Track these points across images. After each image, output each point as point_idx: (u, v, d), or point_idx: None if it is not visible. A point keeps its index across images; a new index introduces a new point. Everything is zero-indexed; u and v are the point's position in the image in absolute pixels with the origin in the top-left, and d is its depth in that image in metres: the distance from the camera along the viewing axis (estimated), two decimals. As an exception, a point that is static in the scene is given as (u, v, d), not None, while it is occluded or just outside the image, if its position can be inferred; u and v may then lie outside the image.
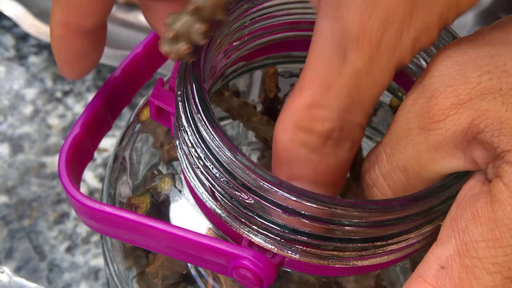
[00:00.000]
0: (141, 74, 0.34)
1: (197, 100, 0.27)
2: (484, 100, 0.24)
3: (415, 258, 0.32)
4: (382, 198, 0.27)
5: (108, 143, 0.55)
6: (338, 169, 0.28)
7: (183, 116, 0.28)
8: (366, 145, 0.39)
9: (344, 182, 0.29)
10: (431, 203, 0.27)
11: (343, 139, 0.27)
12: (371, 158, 0.28)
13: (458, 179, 0.27)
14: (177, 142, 0.29)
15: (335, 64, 0.26)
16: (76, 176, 0.31)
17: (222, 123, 0.37)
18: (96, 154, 0.54)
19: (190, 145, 0.28)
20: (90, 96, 0.57)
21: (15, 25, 0.60)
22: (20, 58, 0.59)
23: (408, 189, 0.27)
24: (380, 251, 0.28)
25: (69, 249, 0.50)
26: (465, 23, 0.59)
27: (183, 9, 0.28)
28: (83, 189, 0.53)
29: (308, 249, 0.27)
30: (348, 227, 0.26)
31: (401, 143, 0.26)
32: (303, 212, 0.26)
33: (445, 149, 0.25)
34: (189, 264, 0.32)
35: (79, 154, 0.32)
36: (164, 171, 0.34)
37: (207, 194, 0.28)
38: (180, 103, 0.28)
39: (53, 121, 0.56)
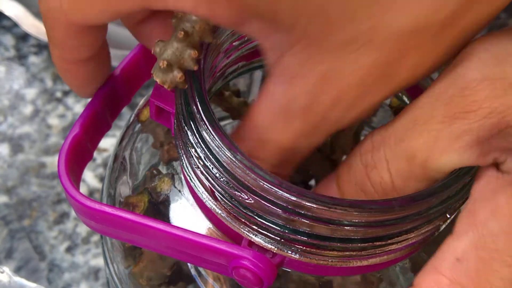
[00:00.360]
0: (141, 73, 0.34)
1: (197, 100, 0.27)
2: None
3: (415, 258, 0.32)
4: (380, 181, 0.27)
5: (108, 143, 0.55)
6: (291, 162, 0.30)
7: (183, 116, 0.28)
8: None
9: None
10: (431, 203, 0.27)
11: (282, 169, 0.29)
12: (376, 138, 0.28)
13: (458, 178, 0.27)
14: (177, 142, 0.29)
15: (278, 124, 0.28)
16: (75, 176, 0.31)
17: (222, 123, 0.37)
18: (96, 154, 0.54)
19: (190, 145, 0.28)
20: (90, 96, 0.57)
21: (15, 25, 0.60)
22: (20, 58, 0.59)
23: (409, 179, 0.27)
24: (379, 251, 0.28)
25: (69, 249, 0.50)
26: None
27: (170, 36, 0.28)
28: (83, 189, 0.53)
29: (308, 249, 0.27)
30: (348, 227, 0.26)
31: (416, 128, 0.26)
32: (302, 212, 0.26)
33: (466, 140, 0.25)
34: (189, 264, 0.32)
35: (78, 154, 0.32)
36: (164, 171, 0.34)
37: (207, 194, 0.28)
38: (180, 103, 0.28)
39: (53, 121, 0.56)
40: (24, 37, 0.60)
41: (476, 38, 0.26)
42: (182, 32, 0.28)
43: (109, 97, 0.33)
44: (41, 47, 0.60)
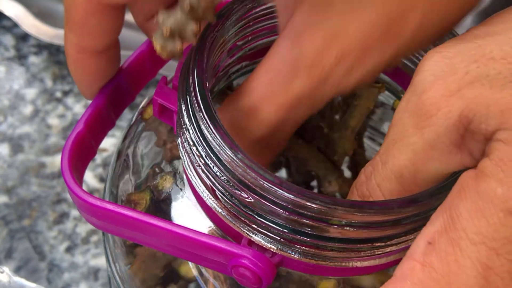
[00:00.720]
0: (145, 72, 0.34)
1: (199, 98, 0.27)
2: (472, 88, 0.24)
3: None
4: None
5: (108, 143, 0.55)
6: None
7: (185, 114, 0.28)
8: (367, 146, 0.39)
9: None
10: (430, 204, 0.27)
11: (268, 147, 0.30)
12: (368, 170, 0.28)
13: (457, 179, 0.27)
14: (179, 140, 0.29)
15: (284, 81, 0.29)
16: (78, 173, 0.31)
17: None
18: (97, 154, 0.54)
19: (191, 143, 0.28)
20: (90, 96, 0.57)
21: (15, 25, 0.60)
22: (20, 58, 0.59)
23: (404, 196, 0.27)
24: (379, 252, 0.28)
25: (68, 249, 0.50)
26: (464, 24, 0.59)
27: (175, 7, 0.28)
28: (84, 188, 0.53)
29: (307, 249, 0.27)
30: (348, 228, 0.26)
31: (396, 146, 0.26)
32: (302, 212, 0.26)
33: (441, 146, 0.25)
34: (190, 264, 0.32)
35: (82, 151, 0.32)
36: (166, 169, 0.34)
37: (207, 193, 0.28)
38: (182, 101, 0.28)
39: (53, 121, 0.56)
40: (24, 37, 0.60)
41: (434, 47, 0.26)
42: (188, 4, 0.28)
43: (114, 94, 0.33)
44: (41, 47, 0.60)
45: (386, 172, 0.27)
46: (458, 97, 0.24)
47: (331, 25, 0.28)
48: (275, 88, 0.29)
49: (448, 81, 0.25)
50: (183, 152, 0.29)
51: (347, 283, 0.31)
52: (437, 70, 0.25)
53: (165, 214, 0.32)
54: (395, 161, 0.26)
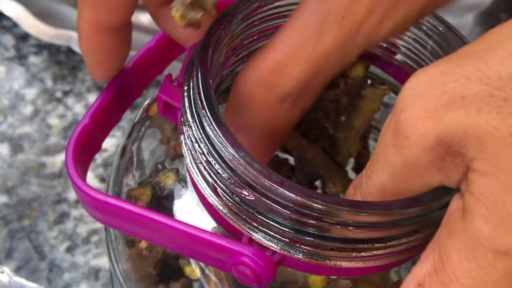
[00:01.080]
0: (153, 68, 0.35)
1: (202, 96, 0.27)
2: (448, 110, 0.24)
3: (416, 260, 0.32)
4: None
5: (109, 143, 0.55)
6: (285, 127, 0.30)
7: (188, 111, 0.28)
8: (373, 148, 0.39)
9: (285, 139, 0.31)
10: (432, 207, 0.27)
11: (297, 103, 0.29)
12: (356, 182, 0.28)
13: None
14: (182, 137, 0.29)
15: (314, 34, 0.28)
16: (82, 167, 0.31)
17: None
18: (97, 154, 0.54)
19: (194, 140, 0.28)
20: (90, 96, 0.57)
21: (15, 25, 0.60)
22: (20, 58, 0.59)
23: None
24: (379, 253, 0.28)
25: (69, 249, 0.50)
26: (465, 24, 0.59)
27: None
28: (83, 189, 0.53)
29: (307, 248, 0.27)
30: (348, 227, 0.26)
31: (378, 163, 0.26)
32: (303, 211, 0.26)
33: (420, 168, 0.25)
34: (192, 262, 0.32)
35: (86, 145, 0.32)
36: (170, 166, 0.34)
37: (209, 190, 0.28)
38: (186, 98, 0.29)
39: (53, 121, 0.56)
40: (24, 37, 0.60)
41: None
42: None
43: (121, 89, 0.33)
44: (41, 47, 0.60)
45: (369, 188, 0.27)
46: (435, 118, 0.24)
47: None
48: (304, 43, 0.28)
49: (425, 101, 0.24)
50: (185, 149, 0.29)
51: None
52: (417, 89, 0.25)
53: (167, 211, 0.32)
54: (377, 178, 0.26)
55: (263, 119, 0.30)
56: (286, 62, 0.28)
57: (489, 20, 0.58)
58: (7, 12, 0.57)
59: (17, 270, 0.49)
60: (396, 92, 0.35)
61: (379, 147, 0.26)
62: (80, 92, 0.58)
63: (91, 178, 0.53)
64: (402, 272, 0.33)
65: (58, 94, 0.58)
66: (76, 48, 0.56)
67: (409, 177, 0.25)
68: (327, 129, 0.36)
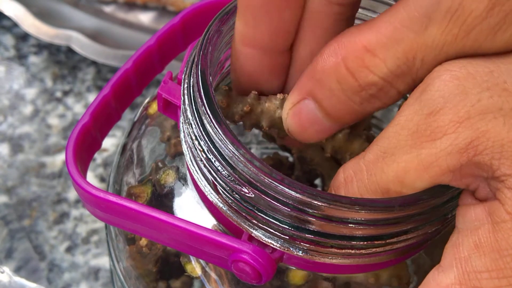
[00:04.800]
0: (153, 66, 0.35)
1: (202, 93, 0.27)
2: (484, 119, 0.23)
3: (416, 260, 0.32)
4: None
5: (109, 142, 0.55)
6: (354, 116, 0.27)
7: (188, 108, 0.28)
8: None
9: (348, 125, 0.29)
10: (432, 204, 0.27)
11: (376, 97, 0.26)
12: (348, 172, 0.27)
13: None
14: (182, 135, 0.29)
15: (415, 26, 0.24)
16: (83, 165, 0.31)
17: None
18: (96, 154, 0.54)
19: (194, 137, 0.28)
20: (90, 96, 0.57)
21: (15, 25, 0.60)
22: (20, 58, 0.59)
23: None
24: (379, 250, 0.28)
25: (69, 249, 0.50)
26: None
27: None
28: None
29: (307, 245, 0.27)
30: (348, 225, 0.26)
31: (386, 161, 0.25)
32: (303, 208, 0.26)
33: (436, 170, 0.24)
34: (192, 260, 0.32)
35: (87, 143, 0.32)
36: (170, 164, 0.34)
37: (209, 187, 0.28)
38: (186, 96, 0.29)
39: (53, 121, 0.56)
40: (24, 37, 0.60)
41: (442, 63, 0.25)
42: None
43: (120, 88, 0.33)
44: (41, 47, 0.60)
45: (371, 185, 0.26)
46: (468, 126, 0.23)
47: None
48: (401, 33, 0.25)
49: (458, 106, 0.24)
50: (185, 147, 0.29)
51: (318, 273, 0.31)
52: (447, 91, 0.24)
53: (167, 208, 0.32)
54: (383, 175, 0.26)
55: (333, 101, 0.27)
56: (377, 48, 0.25)
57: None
58: (7, 12, 0.57)
59: (17, 270, 0.49)
60: None
61: (389, 145, 0.25)
62: (80, 92, 0.58)
63: (91, 178, 0.53)
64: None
65: (58, 94, 0.58)
66: (76, 48, 0.56)
67: (419, 178, 0.25)
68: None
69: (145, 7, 0.61)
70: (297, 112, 0.28)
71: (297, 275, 0.30)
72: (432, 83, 0.24)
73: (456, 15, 0.24)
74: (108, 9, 0.60)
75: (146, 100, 0.37)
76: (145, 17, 0.60)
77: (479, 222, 0.24)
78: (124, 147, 0.36)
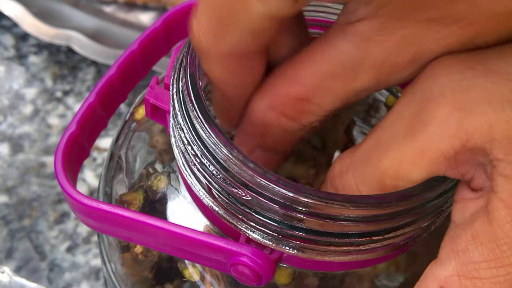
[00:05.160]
0: (137, 71, 0.34)
1: (192, 97, 0.27)
2: (478, 106, 0.24)
3: (413, 252, 0.32)
4: None
5: (109, 143, 0.55)
6: (299, 141, 0.30)
7: (178, 113, 0.28)
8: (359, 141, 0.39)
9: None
10: (427, 197, 0.27)
11: (317, 121, 0.29)
12: (344, 162, 0.27)
13: None
14: (173, 140, 0.29)
15: (347, 73, 0.27)
16: (72, 174, 0.31)
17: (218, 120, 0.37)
18: (96, 154, 0.54)
19: (186, 142, 0.28)
20: (90, 96, 0.58)
21: (15, 25, 0.60)
22: (20, 57, 0.60)
23: None
24: (377, 245, 0.28)
25: (69, 249, 0.50)
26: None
27: None
28: (84, 189, 0.53)
29: (305, 244, 0.27)
30: (345, 222, 0.26)
31: (381, 150, 0.26)
32: (299, 208, 0.26)
33: (431, 157, 0.24)
34: (187, 262, 0.32)
35: (75, 152, 0.31)
36: (160, 169, 0.34)
37: (204, 192, 0.28)
38: (175, 101, 0.28)
39: (53, 120, 0.56)
40: (24, 37, 0.60)
41: (440, 56, 0.25)
42: None
43: (105, 94, 0.33)
44: (41, 47, 0.60)
45: (366, 173, 0.26)
46: (461, 114, 0.24)
47: (405, 33, 0.25)
48: (335, 80, 0.27)
49: (456, 97, 0.24)
50: (177, 152, 0.29)
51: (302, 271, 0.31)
52: (445, 83, 0.24)
53: (161, 214, 0.32)
54: (378, 163, 0.26)
55: (278, 142, 0.29)
56: (312, 96, 0.27)
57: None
58: (7, 12, 0.57)
59: (18, 270, 0.49)
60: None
61: (385, 134, 0.26)
62: (80, 91, 0.58)
63: (92, 178, 0.53)
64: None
65: (58, 94, 0.58)
66: (76, 47, 0.56)
67: (415, 167, 0.25)
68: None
69: (145, 7, 0.61)
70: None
71: (282, 274, 0.30)
72: (430, 74, 0.25)
73: (382, 68, 0.26)
74: (108, 9, 0.61)
75: (132, 106, 0.36)
76: (145, 17, 0.60)
77: (476, 215, 0.25)
78: (112, 155, 0.36)
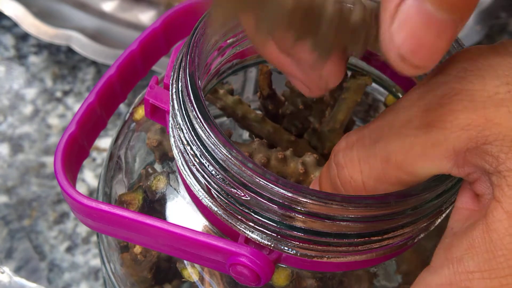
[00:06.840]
0: (136, 71, 0.34)
1: (191, 98, 0.27)
2: (499, 112, 0.24)
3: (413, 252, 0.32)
4: (350, 181, 0.27)
5: (108, 143, 0.55)
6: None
7: (178, 114, 0.28)
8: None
9: None
10: (426, 197, 0.27)
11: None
12: (351, 138, 0.27)
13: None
14: (172, 140, 0.29)
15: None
16: (72, 174, 0.31)
17: (217, 120, 0.37)
18: (96, 154, 0.54)
19: (186, 142, 0.28)
20: (90, 96, 0.58)
21: (15, 25, 0.60)
22: (20, 58, 0.59)
23: (381, 181, 0.26)
24: (376, 246, 0.28)
25: (69, 249, 0.50)
26: (466, 23, 0.59)
27: None
28: (84, 189, 0.53)
29: (304, 245, 0.27)
30: (344, 222, 0.26)
31: (393, 132, 0.26)
32: (298, 208, 0.26)
33: (441, 151, 0.24)
34: (185, 262, 0.32)
35: (75, 152, 0.32)
36: (159, 169, 0.34)
37: (203, 192, 0.28)
38: (175, 101, 0.28)
39: (53, 121, 0.56)
40: (24, 37, 0.60)
41: (461, 49, 0.25)
42: None
43: (105, 94, 0.33)
44: (41, 47, 0.60)
45: (373, 150, 0.26)
46: (481, 114, 0.24)
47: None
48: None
49: (475, 94, 0.24)
50: (177, 152, 0.29)
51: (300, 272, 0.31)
52: (465, 78, 0.24)
53: (160, 214, 0.32)
54: (386, 145, 0.26)
55: None
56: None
57: (488, 19, 0.57)
58: (7, 12, 0.57)
59: (17, 270, 0.49)
60: (377, 82, 0.35)
61: (397, 118, 0.26)
62: (80, 91, 0.58)
63: (92, 178, 0.53)
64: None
65: (58, 94, 0.58)
66: (76, 48, 0.56)
67: (423, 156, 0.25)
68: (310, 123, 0.35)
69: (150, 3, 0.61)
70: (404, 19, 0.22)
71: (280, 276, 0.30)
72: (451, 67, 0.25)
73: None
74: (108, 9, 0.60)
75: (131, 106, 0.36)
76: (145, 17, 0.60)
77: (474, 224, 0.24)
78: (111, 155, 0.36)
